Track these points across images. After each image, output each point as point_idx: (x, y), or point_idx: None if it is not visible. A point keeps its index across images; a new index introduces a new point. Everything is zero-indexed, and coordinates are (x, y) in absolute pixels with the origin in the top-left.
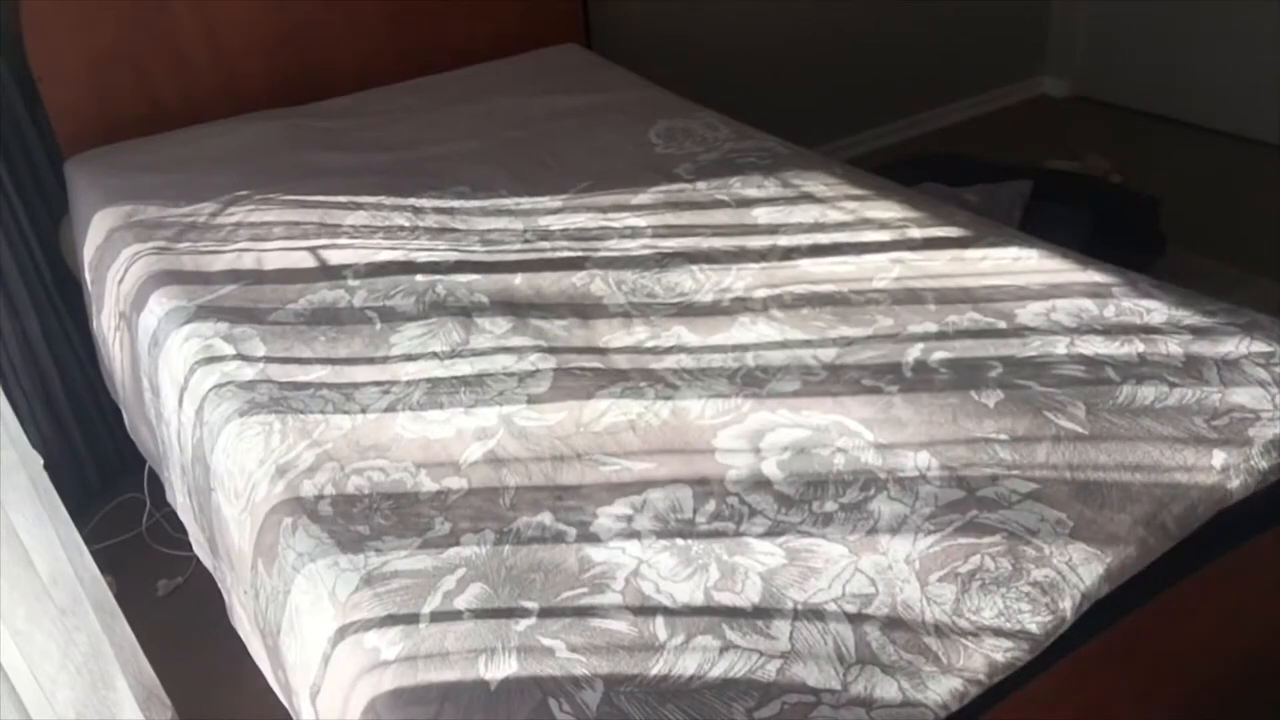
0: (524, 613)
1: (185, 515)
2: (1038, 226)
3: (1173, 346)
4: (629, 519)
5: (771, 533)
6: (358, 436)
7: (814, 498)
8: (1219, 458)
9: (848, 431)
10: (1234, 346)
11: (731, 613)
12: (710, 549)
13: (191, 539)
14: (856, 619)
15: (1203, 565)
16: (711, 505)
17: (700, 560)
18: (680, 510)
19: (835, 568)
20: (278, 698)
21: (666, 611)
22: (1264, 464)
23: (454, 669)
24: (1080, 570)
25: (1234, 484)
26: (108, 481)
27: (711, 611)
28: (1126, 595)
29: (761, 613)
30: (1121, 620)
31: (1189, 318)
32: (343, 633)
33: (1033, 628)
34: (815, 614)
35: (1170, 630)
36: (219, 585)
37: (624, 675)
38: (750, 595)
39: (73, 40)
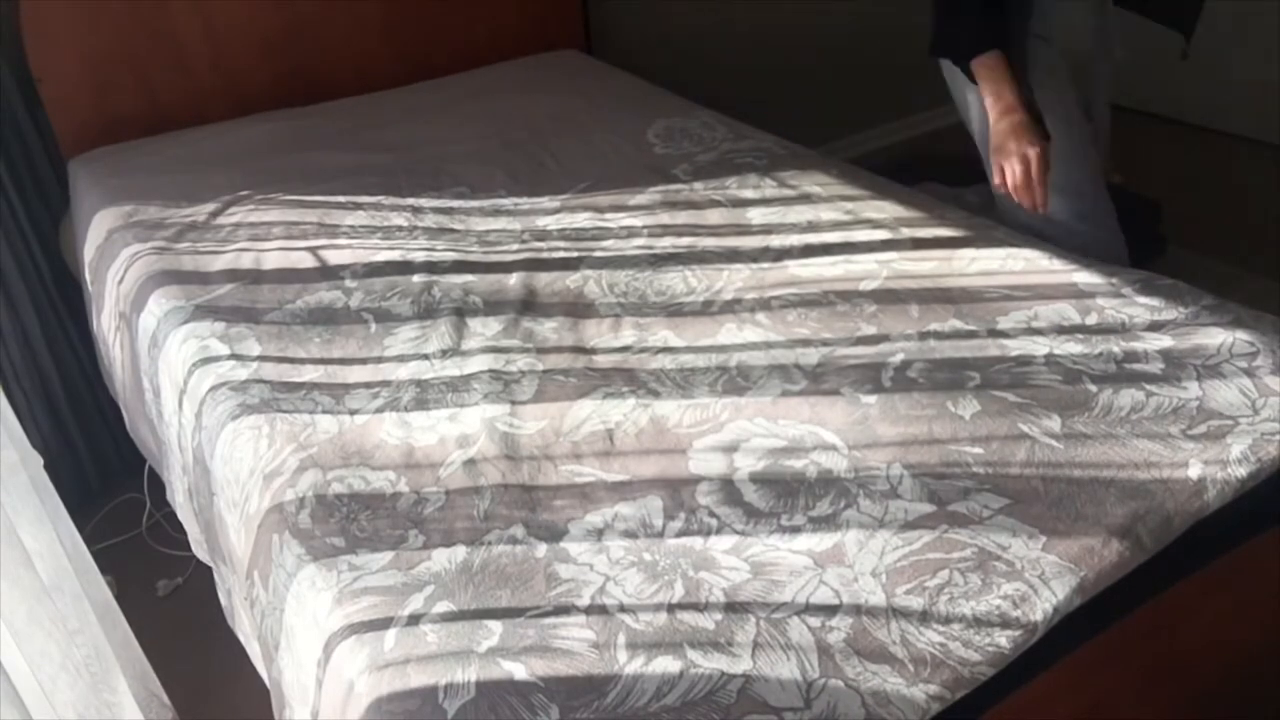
0: (487, 634)
1: (185, 515)
2: None
3: (1153, 352)
4: (599, 533)
5: (739, 546)
6: (344, 441)
7: (783, 510)
8: (1195, 469)
9: (822, 443)
10: (1216, 347)
11: (694, 631)
12: (677, 564)
13: (191, 539)
14: (820, 633)
15: (1202, 565)
16: (681, 518)
17: (666, 576)
18: (650, 524)
19: (800, 580)
20: None
21: (629, 631)
22: (1241, 472)
23: (414, 698)
24: (1053, 584)
25: (1210, 495)
26: (108, 481)
27: (674, 630)
28: (1126, 595)
29: (724, 630)
30: (1121, 620)
31: (1173, 319)
32: (325, 659)
33: (1001, 640)
34: (779, 629)
35: (1170, 630)
36: (218, 586)
37: (581, 701)
38: (714, 612)
39: (72, 40)
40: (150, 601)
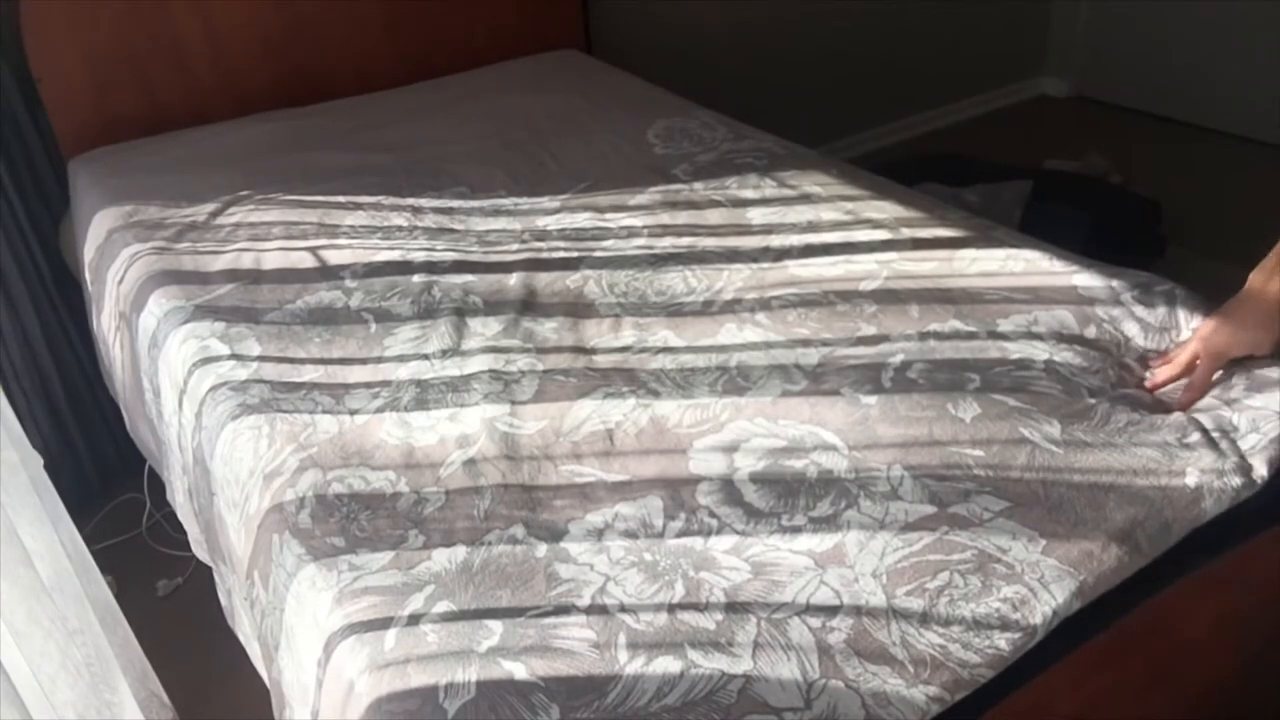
0: (487, 633)
1: (185, 515)
2: (1037, 227)
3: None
4: (600, 533)
5: (739, 546)
6: (344, 441)
7: (784, 510)
8: (1193, 477)
9: (823, 443)
10: None
11: (694, 631)
12: (677, 564)
13: (191, 539)
14: (821, 633)
15: (1202, 566)
16: (681, 518)
17: (666, 576)
18: (650, 524)
19: (800, 581)
20: None
21: (629, 631)
22: (1237, 480)
23: (414, 698)
24: (1052, 587)
25: (1208, 502)
26: (108, 481)
27: (675, 630)
28: (1126, 595)
29: (724, 630)
30: (1120, 621)
31: (1169, 329)
32: (325, 659)
33: (1001, 643)
34: (779, 629)
35: (1170, 630)
36: (218, 586)
37: (581, 701)
38: (714, 612)
39: (72, 40)
40: (150, 601)
